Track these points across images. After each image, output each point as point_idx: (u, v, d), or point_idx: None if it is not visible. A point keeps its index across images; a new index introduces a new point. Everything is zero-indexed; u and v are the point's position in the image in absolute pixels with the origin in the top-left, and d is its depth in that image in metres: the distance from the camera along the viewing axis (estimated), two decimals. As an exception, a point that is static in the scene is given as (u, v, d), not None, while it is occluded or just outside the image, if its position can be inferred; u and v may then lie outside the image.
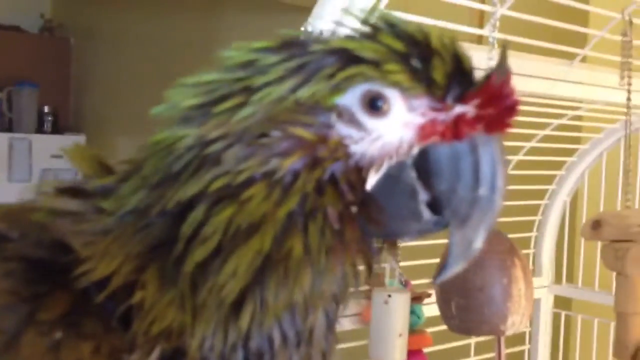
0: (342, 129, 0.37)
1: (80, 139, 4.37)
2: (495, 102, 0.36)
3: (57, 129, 4.48)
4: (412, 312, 1.38)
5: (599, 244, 1.16)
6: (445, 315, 0.94)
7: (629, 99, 1.08)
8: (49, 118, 4.46)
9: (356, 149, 0.37)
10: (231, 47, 0.40)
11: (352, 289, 0.40)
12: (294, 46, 0.38)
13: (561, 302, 1.75)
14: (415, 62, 0.37)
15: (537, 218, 1.70)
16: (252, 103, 0.36)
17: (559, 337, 1.70)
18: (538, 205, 1.70)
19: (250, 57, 0.38)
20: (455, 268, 0.38)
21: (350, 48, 0.37)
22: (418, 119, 0.37)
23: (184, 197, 0.36)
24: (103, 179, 0.42)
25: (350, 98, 0.37)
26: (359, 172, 0.37)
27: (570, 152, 1.68)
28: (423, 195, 0.37)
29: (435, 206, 0.37)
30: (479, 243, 0.37)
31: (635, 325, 1.07)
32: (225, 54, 0.39)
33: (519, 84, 1.17)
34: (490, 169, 0.37)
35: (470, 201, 0.37)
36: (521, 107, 1.31)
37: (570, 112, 1.43)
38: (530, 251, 1.70)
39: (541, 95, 1.28)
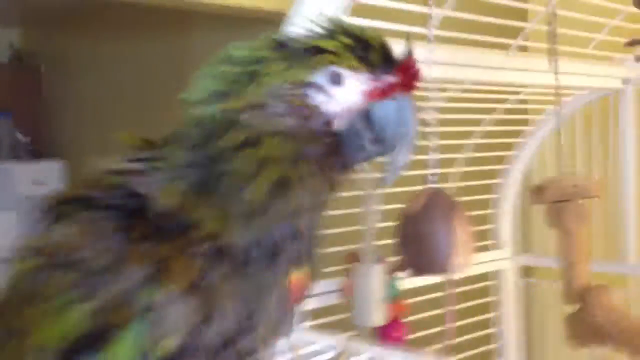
0: (316, 97, 0.55)
1: (58, 165, 4.46)
2: (407, 73, 0.53)
3: (33, 156, 4.57)
4: (390, 285, 1.55)
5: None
6: (404, 261, 1.12)
7: (556, 79, 1.26)
8: (25, 146, 4.55)
9: (326, 108, 0.54)
10: (232, 48, 0.57)
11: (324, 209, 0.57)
12: (281, 45, 0.55)
13: (524, 272, 1.93)
14: (360, 52, 0.55)
15: (495, 196, 1.88)
16: (258, 84, 0.53)
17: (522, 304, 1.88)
18: (494, 184, 1.88)
19: (252, 53, 0.55)
20: (391, 178, 0.56)
21: (318, 44, 0.54)
22: (363, 87, 0.55)
23: (218, 150, 0.53)
24: (151, 149, 0.58)
25: (320, 77, 0.55)
26: (329, 124, 0.54)
27: (519, 134, 1.86)
28: (368, 135, 0.55)
29: (377, 140, 0.54)
30: (403, 161, 0.55)
31: (579, 272, 1.24)
32: (229, 52, 0.56)
33: (465, 74, 1.35)
34: (408, 114, 0.55)
35: (396, 135, 0.54)
36: (468, 95, 1.48)
37: (512, 97, 1.61)
38: (491, 226, 1.88)
39: (485, 83, 1.46)
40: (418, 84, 0.56)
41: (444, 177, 1.84)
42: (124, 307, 0.51)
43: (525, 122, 1.88)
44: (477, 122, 1.74)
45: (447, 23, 1.26)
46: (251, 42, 0.56)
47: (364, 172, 1.51)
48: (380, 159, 0.60)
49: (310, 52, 0.55)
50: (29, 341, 0.53)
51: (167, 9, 2.93)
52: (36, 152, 4.60)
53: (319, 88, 0.55)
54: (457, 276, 1.59)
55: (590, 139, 1.72)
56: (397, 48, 0.55)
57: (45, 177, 4.39)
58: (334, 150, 0.56)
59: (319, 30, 0.57)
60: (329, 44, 0.55)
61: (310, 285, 0.61)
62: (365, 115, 0.56)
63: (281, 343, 0.93)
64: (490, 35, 1.37)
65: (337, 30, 0.56)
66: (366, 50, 0.55)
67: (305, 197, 0.55)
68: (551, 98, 1.74)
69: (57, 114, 4.82)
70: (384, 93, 0.55)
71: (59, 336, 0.52)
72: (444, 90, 1.47)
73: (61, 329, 0.52)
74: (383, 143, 0.57)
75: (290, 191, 0.54)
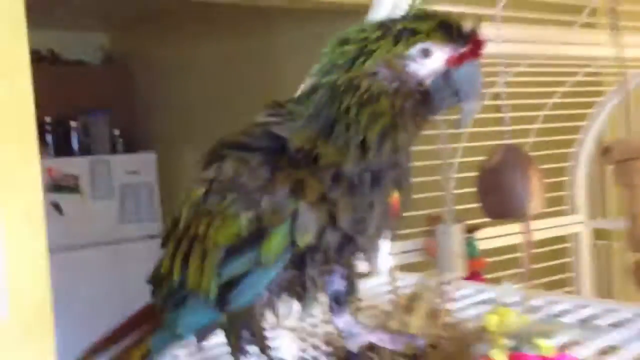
0: (412, 65, 0.73)
1: (152, 156, 4.79)
2: (475, 45, 0.71)
3: (128, 149, 4.92)
4: (469, 244, 1.70)
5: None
6: (485, 208, 1.27)
7: (618, 52, 1.38)
8: (120, 139, 4.90)
9: (419, 73, 0.73)
10: (348, 31, 0.75)
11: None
12: (384, 26, 0.73)
13: (599, 234, 2.03)
14: (442, 31, 0.73)
15: (570, 164, 1.99)
16: (371, 59, 0.71)
17: (600, 265, 1.99)
18: (569, 153, 1.99)
19: (363, 35, 0.73)
20: (465, 121, 0.74)
21: (414, 27, 0.72)
22: (445, 56, 0.73)
23: (341, 107, 0.72)
24: (282, 107, 0.78)
25: (415, 51, 0.73)
26: (421, 84, 0.72)
27: (592, 105, 1.97)
28: (448, 90, 0.74)
29: (455, 94, 0.72)
30: (474, 109, 0.74)
31: (643, 224, 1.37)
32: (345, 35, 0.74)
33: (534, 50, 1.48)
34: (476, 75, 0.73)
35: (470, 90, 0.71)
36: (540, 69, 1.61)
37: (582, 70, 1.72)
38: (567, 192, 2.00)
39: (554, 57, 1.59)
40: (484, 55, 0.73)
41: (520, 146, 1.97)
42: (275, 214, 0.71)
43: (598, 94, 1.98)
44: (550, 95, 1.86)
45: (516, 3, 1.39)
46: (361, 26, 0.74)
47: (442, 144, 1.67)
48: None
49: (408, 33, 0.72)
50: (208, 242, 0.74)
51: (248, 6, 3.12)
52: (130, 145, 4.95)
53: (414, 59, 0.72)
54: (535, 237, 1.74)
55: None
56: (468, 26, 0.72)
57: (138, 168, 4.74)
58: (424, 102, 0.73)
59: (411, 14, 0.74)
60: (421, 26, 0.72)
61: (405, 204, 0.80)
62: (446, 76, 0.73)
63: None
64: (556, 14, 1.49)
65: (425, 15, 0.73)
66: (447, 30, 0.72)
67: (403, 138, 0.73)
68: (627, 70, 1.85)
69: (148, 110, 5.16)
70: (459, 60, 0.73)
71: (232, 235, 0.72)
72: (516, 65, 1.60)
73: (232, 231, 0.72)
74: (458, 96, 0.74)
75: (394, 134, 0.72)
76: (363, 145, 0.73)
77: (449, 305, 0.96)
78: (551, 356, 0.77)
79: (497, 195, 1.21)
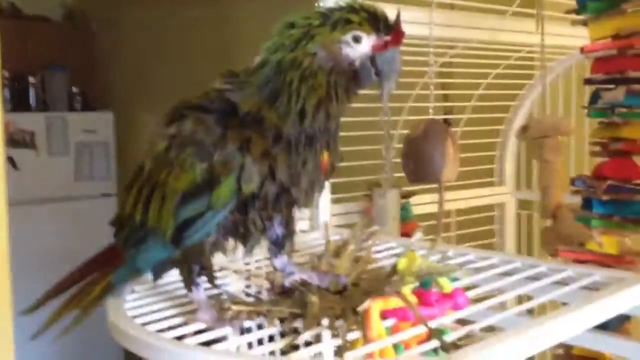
0: (345, 49, 0.88)
1: (109, 115, 4.84)
2: (397, 34, 0.86)
3: (86, 108, 4.95)
4: (404, 208, 1.88)
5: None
6: (406, 172, 1.45)
7: (542, 40, 1.55)
8: (78, 98, 4.92)
9: (350, 54, 0.88)
10: (294, 17, 0.89)
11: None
12: (324, 15, 0.88)
13: (523, 205, 2.24)
14: (371, 22, 0.88)
15: (499, 140, 2.18)
16: (312, 41, 0.86)
17: (521, 232, 2.20)
18: (499, 130, 2.18)
19: (307, 21, 0.87)
20: (385, 96, 0.89)
21: (348, 17, 0.87)
22: (372, 43, 0.88)
23: (286, 79, 0.86)
24: (236, 76, 0.92)
25: (348, 37, 0.88)
26: (351, 64, 0.87)
27: (523, 87, 2.15)
28: (373, 71, 0.88)
29: (377, 74, 0.87)
30: (392, 87, 0.88)
31: (553, 194, 1.55)
32: (292, 20, 0.88)
33: (470, 35, 1.65)
34: (397, 59, 0.87)
35: (390, 71, 0.87)
36: (476, 52, 1.79)
37: (514, 54, 1.90)
38: (495, 166, 2.19)
39: (488, 42, 1.76)
40: (403, 41, 0.89)
41: (457, 122, 2.15)
42: (225, 165, 0.86)
43: (529, 77, 2.17)
44: (485, 76, 2.04)
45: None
46: (306, 14, 0.89)
47: (384, 117, 1.82)
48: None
49: (343, 22, 0.87)
50: (168, 188, 0.88)
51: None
52: (88, 104, 4.98)
53: (347, 43, 0.87)
54: (467, 204, 1.92)
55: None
56: (392, 19, 0.88)
57: (95, 126, 4.78)
58: (354, 79, 0.89)
59: (347, 5, 0.89)
60: (354, 17, 0.87)
61: (333, 163, 0.96)
62: (372, 59, 0.89)
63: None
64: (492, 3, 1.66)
65: (358, 8, 0.89)
66: (374, 21, 0.88)
67: (334, 108, 0.89)
68: (554, 56, 2.03)
69: (107, 69, 5.19)
70: (383, 47, 0.88)
71: (188, 182, 0.86)
72: (451, 47, 1.77)
73: (189, 179, 0.86)
74: (381, 75, 0.89)
75: (327, 104, 0.88)
76: (301, 113, 0.88)
77: (371, 252, 1.13)
78: (447, 292, 0.95)
79: (417, 161, 1.38)
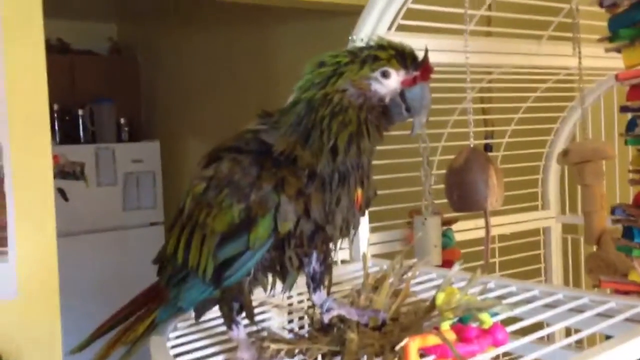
0: (375, 85, 0.89)
1: (155, 144, 4.96)
2: (426, 69, 0.87)
3: (133, 138, 5.08)
4: (445, 235, 1.87)
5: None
6: (451, 203, 1.44)
7: (579, 63, 1.53)
8: (126, 128, 5.06)
9: (380, 91, 0.88)
10: (324, 56, 0.91)
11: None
12: (354, 54, 0.89)
13: (568, 229, 2.20)
14: (399, 58, 0.89)
15: (542, 163, 2.16)
16: (342, 78, 0.88)
17: (568, 257, 2.16)
18: (541, 153, 2.15)
19: (336, 59, 0.89)
20: (416, 131, 0.89)
21: (376, 54, 0.88)
22: (400, 78, 0.89)
23: (318, 117, 0.88)
24: (270, 116, 0.94)
25: (377, 73, 0.89)
26: (381, 100, 0.88)
27: (563, 109, 2.13)
28: (403, 106, 0.89)
29: (408, 110, 0.88)
30: (423, 121, 0.89)
31: (596, 219, 1.53)
32: (322, 59, 0.90)
33: (506, 60, 1.65)
34: (426, 94, 0.88)
35: (419, 106, 0.88)
36: (514, 77, 1.78)
37: (552, 77, 1.88)
38: (539, 189, 2.16)
39: (523, 66, 1.75)
40: (431, 77, 0.89)
41: (498, 146, 2.14)
42: (262, 205, 0.88)
43: (570, 99, 2.14)
44: (525, 99, 2.03)
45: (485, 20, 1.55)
46: (335, 53, 0.91)
47: (422, 143, 1.83)
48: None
49: (372, 59, 0.89)
50: (207, 229, 0.90)
51: (249, 4, 3.27)
52: (135, 134, 5.12)
53: (376, 80, 0.89)
54: (506, 230, 1.91)
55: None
56: (420, 55, 0.89)
57: (142, 156, 4.91)
58: (384, 115, 0.90)
59: (375, 44, 0.91)
60: (382, 54, 0.89)
61: (367, 200, 0.97)
62: (402, 95, 0.90)
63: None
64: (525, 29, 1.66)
65: (386, 45, 0.90)
66: (403, 57, 0.90)
67: (367, 144, 0.90)
68: (593, 78, 2.01)
69: (152, 100, 5.33)
70: (412, 82, 0.90)
71: (227, 223, 0.89)
72: (488, 73, 1.76)
73: (227, 219, 0.88)
74: (411, 110, 0.90)
75: (359, 140, 0.89)
76: (333, 149, 0.89)
77: (410, 286, 1.12)
78: (486, 328, 0.94)
79: (461, 192, 1.38)
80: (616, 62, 1.49)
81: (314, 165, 0.90)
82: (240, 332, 0.94)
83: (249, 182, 0.89)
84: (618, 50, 1.21)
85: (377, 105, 0.90)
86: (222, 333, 0.99)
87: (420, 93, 0.90)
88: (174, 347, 0.97)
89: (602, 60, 1.77)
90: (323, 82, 0.90)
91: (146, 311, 1.04)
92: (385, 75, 0.89)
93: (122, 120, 5.03)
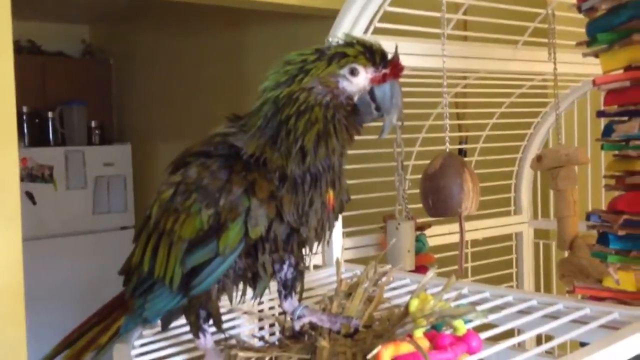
0: (343, 83, 0.87)
1: (127, 148, 4.89)
2: (396, 66, 0.85)
3: (104, 141, 5.00)
4: (419, 240, 1.85)
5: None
6: (427, 208, 1.43)
7: (554, 69, 1.53)
8: (97, 131, 4.98)
9: (348, 89, 0.87)
10: (291, 54, 0.88)
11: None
12: (321, 52, 0.87)
13: (540, 234, 2.21)
14: (367, 55, 0.87)
15: (515, 169, 2.16)
16: (309, 76, 0.85)
17: (539, 262, 2.16)
18: (515, 158, 2.15)
19: (302, 57, 0.87)
20: (386, 131, 0.87)
21: (344, 51, 0.87)
22: (369, 76, 0.87)
23: (283, 116, 0.85)
24: (240, 119, 0.91)
25: (345, 70, 0.87)
26: (350, 98, 0.86)
27: (536, 115, 2.13)
28: (373, 105, 0.86)
29: (377, 109, 0.86)
30: (393, 121, 0.87)
31: (569, 225, 1.52)
32: (289, 57, 0.88)
33: (482, 65, 1.64)
34: (396, 92, 0.86)
35: (389, 105, 0.85)
36: (488, 82, 1.78)
37: (527, 83, 1.88)
38: (512, 195, 2.16)
39: (498, 72, 1.74)
40: (404, 74, 0.87)
41: (472, 151, 2.14)
42: (232, 210, 0.84)
43: (543, 105, 2.15)
44: (499, 105, 2.03)
45: (469, 25, 1.54)
46: (301, 51, 0.88)
47: (397, 148, 1.81)
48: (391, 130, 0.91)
49: (339, 56, 0.86)
50: (174, 236, 0.87)
51: (223, 7, 3.24)
52: (106, 137, 5.04)
53: (344, 77, 0.86)
54: (476, 235, 1.90)
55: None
56: (389, 52, 0.87)
57: (113, 159, 4.83)
58: (353, 114, 0.87)
59: (343, 42, 0.89)
60: (350, 51, 0.86)
61: (340, 201, 0.95)
62: (371, 93, 0.87)
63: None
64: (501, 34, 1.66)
65: (354, 42, 0.88)
66: (371, 54, 0.87)
67: (336, 144, 0.87)
68: (568, 84, 2.02)
69: (125, 103, 5.26)
70: (381, 79, 0.87)
71: (195, 229, 0.85)
72: (464, 77, 1.75)
73: (195, 226, 0.85)
74: (381, 110, 0.88)
75: (327, 140, 0.86)
76: (302, 150, 0.86)
77: (383, 292, 1.10)
78: (460, 335, 0.92)
79: (436, 197, 1.36)
80: (591, 68, 1.49)
81: (284, 167, 0.87)
82: (208, 340, 0.91)
83: (218, 187, 0.86)
84: (596, 55, 1.20)
85: (345, 104, 0.87)
86: (190, 341, 0.96)
87: (390, 91, 0.87)
88: (138, 355, 0.94)
89: (577, 66, 1.78)
90: (289, 80, 0.87)
91: (110, 322, 1.00)
92: (353, 72, 0.87)
93: (93, 123, 4.95)
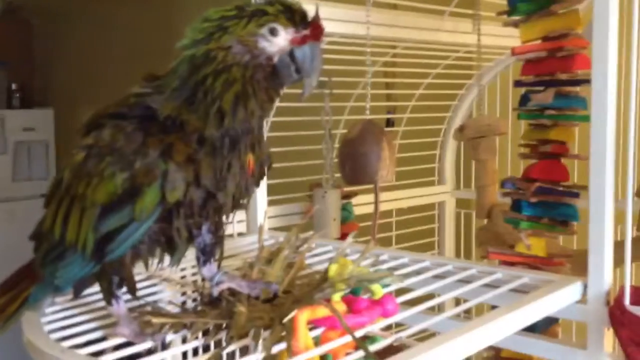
0: (262, 42, 0.85)
1: (49, 112, 4.70)
2: (316, 28, 0.84)
3: (25, 104, 4.79)
4: (344, 209, 1.87)
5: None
6: (343, 174, 1.44)
7: (479, 40, 1.56)
8: (17, 95, 4.76)
9: (267, 49, 0.85)
10: (210, 11, 0.86)
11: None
12: (239, 8, 0.85)
13: (462, 203, 2.26)
14: (288, 15, 0.85)
15: (439, 139, 2.19)
16: (227, 34, 0.83)
17: (460, 230, 2.22)
18: (440, 129, 2.19)
19: (221, 14, 0.84)
20: (307, 93, 0.87)
21: (264, 9, 0.85)
22: (289, 36, 0.86)
23: (200, 76, 0.83)
24: (157, 79, 0.88)
25: (265, 30, 0.85)
26: (269, 59, 0.85)
27: (461, 87, 2.17)
28: (292, 67, 0.85)
29: (297, 71, 0.85)
30: (313, 84, 0.87)
31: (487, 193, 1.57)
32: (207, 14, 0.85)
33: (410, 35, 1.65)
34: (317, 55, 0.85)
35: (310, 67, 0.85)
36: (415, 52, 1.78)
37: (453, 54, 1.91)
38: (436, 165, 2.20)
39: (425, 42, 1.76)
40: (324, 36, 0.87)
41: (399, 122, 2.16)
42: (148, 173, 0.81)
43: (468, 77, 2.18)
44: (426, 76, 2.05)
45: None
46: (220, 8, 0.86)
47: (324, 116, 1.81)
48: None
49: (259, 14, 0.84)
50: (87, 201, 0.84)
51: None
52: (27, 101, 4.83)
53: (264, 37, 0.84)
54: (405, 204, 1.92)
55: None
56: (311, 13, 0.86)
57: (35, 124, 4.64)
58: (272, 75, 0.86)
59: (262, 1, 0.87)
60: (270, 9, 0.84)
61: (261, 165, 0.94)
62: (291, 54, 0.86)
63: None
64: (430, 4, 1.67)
65: (274, 1, 0.86)
66: (291, 14, 0.85)
67: (255, 106, 0.85)
68: (492, 56, 2.05)
69: (48, 65, 5.03)
70: (301, 41, 0.86)
71: (109, 194, 0.82)
72: (393, 47, 1.76)
73: (109, 190, 0.82)
74: (301, 71, 0.87)
75: (246, 101, 0.84)
76: (220, 112, 0.84)
77: (305, 258, 1.11)
78: (377, 299, 0.93)
79: (353, 163, 1.37)
80: (515, 41, 1.52)
81: (202, 129, 0.85)
82: (121, 306, 0.89)
83: (133, 150, 0.83)
84: (515, 25, 1.22)
85: (264, 65, 0.85)
86: (103, 308, 0.94)
87: (310, 53, 0.86)
88: (49, 322, 0.91)
89: (501, 39, 1.82)
90: (206, 38, 0.84)
91: (18, 291, 0.96)
92: (273, 32, 0.85)
93: (14, 86, 4.72)
